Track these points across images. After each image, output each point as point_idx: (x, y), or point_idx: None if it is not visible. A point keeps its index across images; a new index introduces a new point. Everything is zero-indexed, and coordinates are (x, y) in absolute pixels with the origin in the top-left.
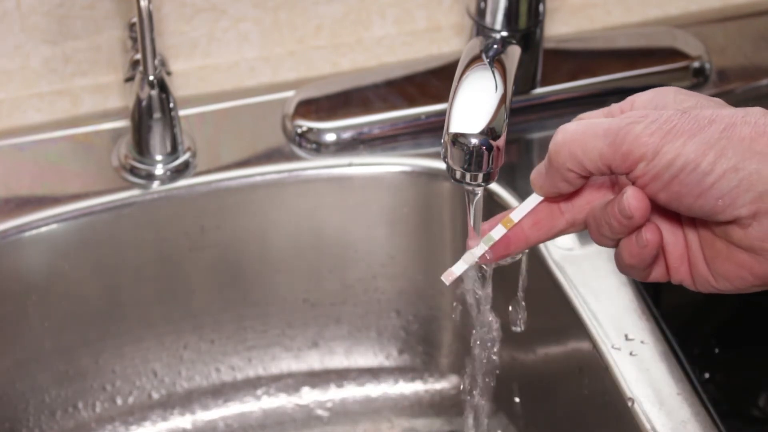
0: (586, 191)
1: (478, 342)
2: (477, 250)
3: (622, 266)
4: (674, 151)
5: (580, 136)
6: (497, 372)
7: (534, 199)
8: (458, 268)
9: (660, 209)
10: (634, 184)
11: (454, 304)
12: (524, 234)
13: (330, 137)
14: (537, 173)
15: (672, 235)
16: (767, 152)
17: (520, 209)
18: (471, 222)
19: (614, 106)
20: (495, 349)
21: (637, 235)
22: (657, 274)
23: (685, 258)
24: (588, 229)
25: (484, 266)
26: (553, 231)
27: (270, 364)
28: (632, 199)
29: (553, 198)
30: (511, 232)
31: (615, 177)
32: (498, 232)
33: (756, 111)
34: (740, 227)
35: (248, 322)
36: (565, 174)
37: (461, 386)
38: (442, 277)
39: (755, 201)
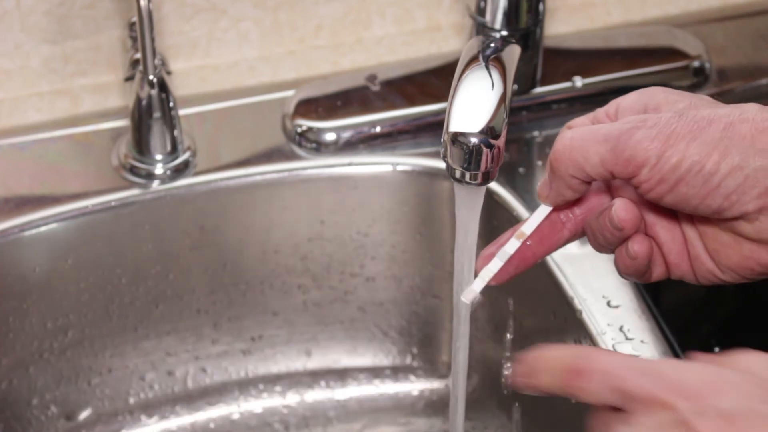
0: (584, 200)
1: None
2: (493, 266)
3: (620, 273)
4: (678, 154)
5: (579, 143)
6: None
7: (543, 210)
8: (478, 286)
9: (655, 208)
10: (637, 188)
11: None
12: (531, 251)
13: (330, 137)
14: (543, 184)
15: (669, 233)
16: None
17: (530, 221)
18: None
19: (599, 111)
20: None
21: (625, 247)
22: (657, 274)
23: (685, 253)
24: (587, 238)
25: None
26: (558, 243)
27: (270, 364)
28: (620, 210)
29: (560, 206)
30: (519, 251)
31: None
32: (512, 245)
33: (751, 108)
34: (747, 222)
35: (248, 321)
36: (568, 181)
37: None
38: (462, 297)
39: (761, 196)
